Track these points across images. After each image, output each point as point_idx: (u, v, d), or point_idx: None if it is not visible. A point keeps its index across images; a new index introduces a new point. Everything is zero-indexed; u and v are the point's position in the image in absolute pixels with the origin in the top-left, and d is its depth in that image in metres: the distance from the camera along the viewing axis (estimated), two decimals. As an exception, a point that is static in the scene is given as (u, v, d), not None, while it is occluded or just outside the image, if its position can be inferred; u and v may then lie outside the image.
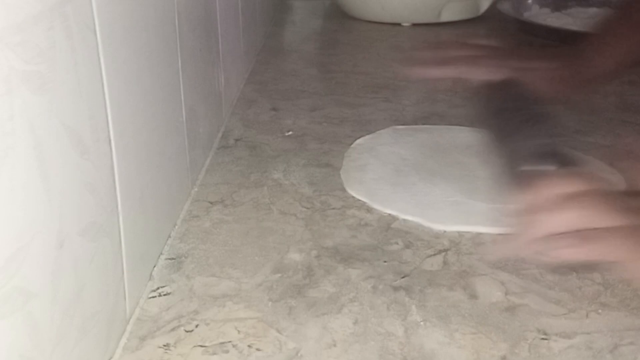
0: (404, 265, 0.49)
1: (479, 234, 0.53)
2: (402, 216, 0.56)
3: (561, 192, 0.40)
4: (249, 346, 0.41)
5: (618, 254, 0.38)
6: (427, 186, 0.61)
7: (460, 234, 0.54)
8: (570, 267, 0.48)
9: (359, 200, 0.59)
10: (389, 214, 0.56)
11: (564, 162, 0.49)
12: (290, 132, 0.74)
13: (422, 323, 0.43)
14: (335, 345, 0.41)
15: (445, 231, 0.54)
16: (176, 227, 0.54)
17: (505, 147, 0.53)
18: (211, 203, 0.58)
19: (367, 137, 0.73)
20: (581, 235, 0.38)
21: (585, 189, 0.40)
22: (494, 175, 0.52)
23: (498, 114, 0.58)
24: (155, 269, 0.49)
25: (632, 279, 0.39)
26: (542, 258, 0.41)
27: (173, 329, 0.42)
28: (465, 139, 0.72)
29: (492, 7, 1.28)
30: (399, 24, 1.28)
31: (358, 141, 0.72)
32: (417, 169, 0.65)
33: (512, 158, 0.51)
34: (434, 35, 1.22)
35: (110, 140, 0.39)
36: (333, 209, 0.57)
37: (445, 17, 1.27)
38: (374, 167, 0.65)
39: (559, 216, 0.39)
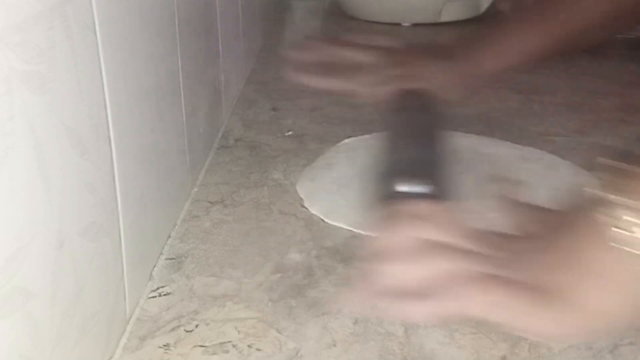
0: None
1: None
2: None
3: (420, 236, 0.36)
4: (249, 346, 0.41)
5: (475, 309, 0.34)
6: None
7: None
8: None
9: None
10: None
11: (439, 187, 0.43)
12: (290, 132, 0.74)
13: (422, 323, 0.43)
14: (335, 345, 0.41)
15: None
16: (176, 227, 0.54)
17: (388, 161, 0.49)
18: (211, 203, 0.58)
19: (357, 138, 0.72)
20: (429, 290, 0.34)
21: (449, 229, 0.36)
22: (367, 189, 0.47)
23: (398, 124, 0.56)
24: (155, 269, 0.49)
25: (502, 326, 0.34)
26: (388, 313, 0.38)
27: (173, 329, 0.42)
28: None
29: (492, 7, 1.28)
30: (399, 24, 1.28)
31: (345, 141, 0.71)
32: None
33: (389, 175, 0.46)
34: (434, 35, 1.22)
35: (110, 140, 0.39)
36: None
37: (445, 17, 1.27)
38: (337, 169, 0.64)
39: (410, 267, 0.35)
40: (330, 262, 0.50)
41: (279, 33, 1.27)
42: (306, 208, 0.57)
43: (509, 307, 0.33)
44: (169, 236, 0.53)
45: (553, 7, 0.61)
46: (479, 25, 1.25)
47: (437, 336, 0.42)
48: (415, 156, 0.48)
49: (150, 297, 0.46)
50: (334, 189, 0.60)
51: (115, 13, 0.40)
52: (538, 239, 0.35)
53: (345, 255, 0.50)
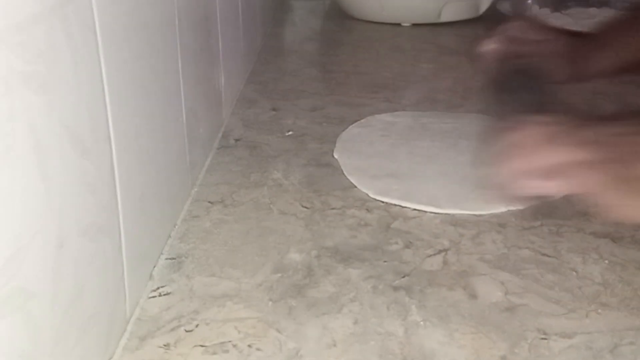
0: (404, 265, 0.49)
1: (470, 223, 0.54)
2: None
3: (537, 133, 0.42)
4: (249, 346, 0.41)
5: (587, 186, 0.40)
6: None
7: (461, 234, 0.54)
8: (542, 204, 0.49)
9: (359, 199, 0.59)
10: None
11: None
12: (290, 132, 0.74)
13: (422, 323, 0.43)
14: (335, 345, 0.41)
15: (444, 231, 0.54)
16: (176, 227, 0.54)
17: (499, 108, 0.55)
18: (211, 203, 0.58)
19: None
20: (552, 170, 0.41)
21: (559, 128, 0.42)
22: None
23: (505, 90, 0.60)
24: (155, 268, 0.49)
25: (602, 209, 0.41)
26: (519, 193, 0.43)
27: (173, 329, 0.42)
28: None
29: (492, 7, 1.28)
30: (399, 24, 1.28)
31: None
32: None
33: (501, 113, 0.53)
34: (434, 36, 1.22)
35: (110, 140, 0.39)
36: (333, 209, 0.57)
37: (445, 17, 1.27)
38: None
39: (534, 154, 0.42)
40: (330, 262, 0.50)
41: (279, 33, 1.27)
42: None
43: (614, 189, 0.39)
44: (169, 236, 0.53)
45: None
46: (481, 25, 1.25)
47: (437, 336, 0.42)
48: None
49: (151, 297, 0.46)
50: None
51: (116, 14, 0.40)
52: (625, 131, 0.41)
53: (345, 255, 0.50)
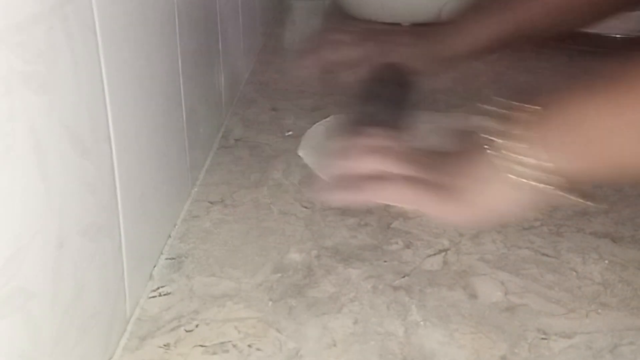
0: (403, 265, 0.49)
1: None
2: None
3: (367, 144, 0.48)
4: (249, 346, 0.41)
5: (398, 198, 0.46)
6: None
7: (461, 233, 0.54)
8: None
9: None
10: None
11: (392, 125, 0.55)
12: (290, 132, 0.74)
13: (422, 323, 0.43)
14: (335, 345, 0.41)
15: (444, 230, 0.54)
16: (176, 227, 0.54)
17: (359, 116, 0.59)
18: (211, 203, 0.58)
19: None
20: (369, 180, 0.45)
21: (388, 144, 0.48)
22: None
23: (370, 95, 0.63)
24: (155, 268, 0.49)
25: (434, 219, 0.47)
26: (333, 199, 0.48)
27: (173, 329, 0.42)
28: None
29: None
30: (398, 24, 1.28)
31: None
32: None
33: (357, 122, 0.57)
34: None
35: (110, 140, 0.39)
36: (333, 208, 0.57)
37: (445, 17, 1.27)
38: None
39: (356, 162, 0.47)
40: (330, 262, 0.50)
41: (279, 33, 1.27)
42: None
43: (419, 198, 0.45)
44: (169, 236, 0.53)
45: None
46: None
47: (437, 336, 0.42)
48: (382, 109, 0.59)
49: (151, 297, 0.46)
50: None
51: (116, 13, 0.40)
52: (448, 158, 0.47)
53: (345, 255, 0.50)
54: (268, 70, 0.99)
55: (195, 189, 0.61)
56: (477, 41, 0.65)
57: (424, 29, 0.71)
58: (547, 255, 0.51)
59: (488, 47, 0.65)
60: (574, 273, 0.49)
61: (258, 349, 0.41)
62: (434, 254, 0.51)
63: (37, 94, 0.29)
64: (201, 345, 0.41)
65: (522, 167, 0.41)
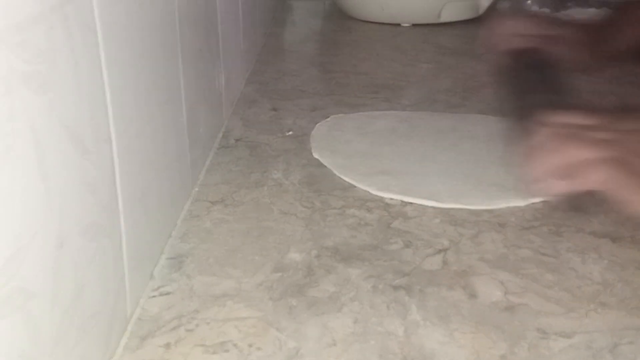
0: (403, 264, 0.49)
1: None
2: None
3: (555, 134, 0.44)
4: (250, 345, 0.41)
5: (604, 182, 0.42)
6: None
7: (460, 233, 0.54)
8: (571, 204, 0.50)
9: (358, 199, 0.59)
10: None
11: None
12: (290, 132, 0.74)
13: (422, 322, 0.43)
14: (335, 345, 0.41)
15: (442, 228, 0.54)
16: (177, 226, 0.55)
17: (516, 105, 0.56)
18: (212, 203, 0.59)
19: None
20: (572, 168, 0.43)
21: (576, 128, 0.44)
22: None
23: (519, 80, 0.61)
24: (155, 268, 0.49)
25: (620, 205, 0.42)
26: (546, 193, 0.46)
27: (174, 329, 0.42)
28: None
29: (492, 7, 1.28)
30: (398, 25, 1.28)
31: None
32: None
33: (520, 112, 0.54)
34: (434, 36, 1.22)
35: (111, 140, 0.39)
36: (333, 208, 0.58)
37: (445, 17, 1.27)
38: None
39: (557, 153, 0.44)
40: (330, 261, 0.50)
41: (279, 33, 1.27)
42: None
43: (628, 185, 0.41)
44: (170, 236, 0.53)
45: None
46: (479, 25, 1.26)
47: (437, 336, 0.42)
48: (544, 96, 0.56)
49: (151, 297, 0.46)
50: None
51: (116, 13, 0.40)
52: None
53: (345, 255, 0.51)
54: (268, 70, 1.00)
55: (196, 189, 0.61)
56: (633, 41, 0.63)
57: (588, 23, 0.69)
58: (546, 255, 0.51)
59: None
60: (574, 273, 0.49)
61: (258, 349, 0.41)
62: (434, 254, 0.51)
63: (37, 94, 0.29)
64: (201, 345, 0.41)
65: None
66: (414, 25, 1.28)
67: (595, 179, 0.42)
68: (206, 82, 0.66)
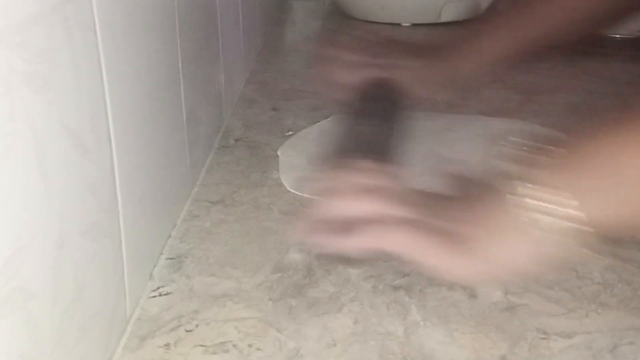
0: (403, 264, 0.49)
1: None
2: None
3: (360, 182, 0.42)
4: (249, 346, 0.41)
5: (401, 244, 0.40)
6: None
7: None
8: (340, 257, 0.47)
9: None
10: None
11: (383, 157, 0.51)
12: (290, 132, 0.74)
13: (422, 323, 0.43)
14: (335, 345, 0.41)
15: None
16: (176, 227, 0.54)
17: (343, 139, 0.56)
18: (211, 203, 0.58)
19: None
20: (366, 223, 0.40)
21: (384, 182, 0.42)
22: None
23: (360, 110, 0.61)
24: (155, 268, 0.49)
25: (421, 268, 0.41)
26: (327, 245, 0.42)
27: (173, 329, 0.42)
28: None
29: (492, 7, 1.28)
30: (398, 24, 1.28)
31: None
32: None
33: (342, 146, 0.54)
34: (434, 36, 1.22)
35: (110, 140, 0.39)
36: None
37: (445, 17, 1.27)
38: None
39: (349, 203, 0.41)
40: (330, 261, 0.50)
41: (279, 33, 1.27)
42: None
43: (423, 247, 0.39)
44: (169, 236, 0.53)
45: (528, 6, 0.63)
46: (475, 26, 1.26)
47: (437, 336, 0.42)
48: (370, 132, 0.55)
49: (151, 297, 0.46)
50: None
51: (116, 13, 0.40)
52: (457, 200, 0.41)
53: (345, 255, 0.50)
54: (268, 70, 1.00)
55: (196, 189, 0.61)
56: (485, 56, 0.63)
57: (435, 44, 0.68)
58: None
59: (497, 61, 0.63)
60: (574, 273, 0.49)
61: (258, 349, 0.41)
62: (434, 254, 0.51)
63: (37, 94, 0.29)
64: (201, 345, 0.41)
65: (547, 217, 0.35)
66: (414, 25, 1.28)
67: (387, 239, 0.40)
68: (206, 82, 0.66)
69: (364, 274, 0.48)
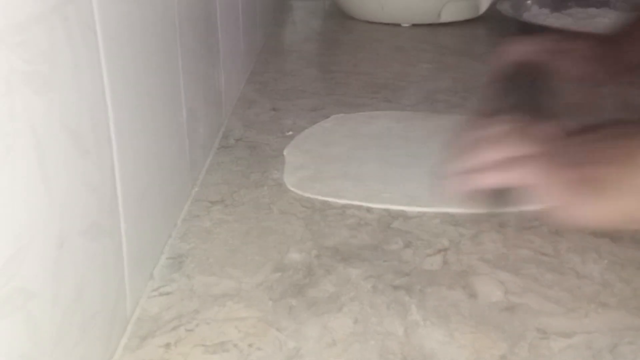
0: (403, 264, 0.49)
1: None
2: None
3: (493, 132, 0.44)
4: (250, 345, 0.41)
5: (535, 178, 0.40)
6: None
7: (460, 233, 0.54)
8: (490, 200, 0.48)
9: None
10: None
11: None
12: (290, 132, 0.74)
13: (422, 323, 0.43)
14: (335, 345, 0.41)
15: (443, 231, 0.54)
16: (177, 226, 0.55)
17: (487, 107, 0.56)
18: (211, 203, 0.59)
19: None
20: (504, 163, 0.42)
21: (521, 126, 0.43)
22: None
23: (507, 91, 0.60)
24: (155, 268, 0.49)
25: (552, 210, 0.41)
26: (470, 188, 0.44)
27: (174, 329, 0.42)
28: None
29: (492, 7, 1.28)
30: (398, 25, 1.28)
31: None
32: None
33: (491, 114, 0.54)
34: (434, 36, 1.22)
35: (111, 140, 0.39)
36: (333, 208, 0.58)
37: (445, 17, 1.27)
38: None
39: (486, 150, 0.43)
40: (330, 261, 0.50)
41: (279, 33, 1.27)
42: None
43: (559, 188, 0.39)
44: (170, 236, 0.53)
45: None
46: (479, 26, 1.26)
47: (437, 336, 0.42)
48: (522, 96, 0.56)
49: (151, 297, 0.46)
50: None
51: (117, 13, 0.40)
52: (593, 138, 0.41)
53: (345, 255, 0.51)
54: (268, 70, 1.00)
55: (196, 189, 0.61)
56: None
57: (603, 36, 0.66)
58: (546, 255, 0.51)
59: None
60: (574, 273, 0.49)
61: (258, 349, 0.41)
62: (434, 254, 0.51)
63: (37, 94, 0.29)
64: (201, 345, 0.41)
65: None
66: (414, 25, 1.28)
67: (529, 175, 0.40)
68: (206, 82, 0.66)
69: (364, 274, 0.48)
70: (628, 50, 0.63)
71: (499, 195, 0.45)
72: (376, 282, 0.47)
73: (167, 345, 0.41)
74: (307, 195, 0.59)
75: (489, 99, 0.58)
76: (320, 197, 0.59)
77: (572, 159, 0.39)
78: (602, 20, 1.18)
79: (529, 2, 1.27)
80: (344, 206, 0.58)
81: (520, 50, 0.63)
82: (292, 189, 0.61)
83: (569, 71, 0.61)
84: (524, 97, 0.58)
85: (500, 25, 1.25)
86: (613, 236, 0.53)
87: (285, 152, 0.68)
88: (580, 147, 0.40)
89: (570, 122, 0.43)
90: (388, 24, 1.28)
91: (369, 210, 0.57)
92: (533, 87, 0.60)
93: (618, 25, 0.67)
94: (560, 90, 0.60)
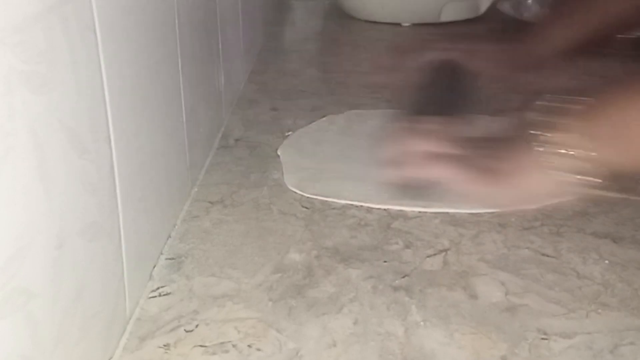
0: (403, 265, 0.49)
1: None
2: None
3: (420, 128, 0.50)
4: (249, 346, 0.41)
5: (453, 173, 0.47)
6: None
7: (461, 234, 0.54)
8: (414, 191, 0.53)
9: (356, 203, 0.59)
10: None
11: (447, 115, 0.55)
12: (290, 132, 0.74)
13: (422, 323, 0.43)
14: (335, 345, 0.41)
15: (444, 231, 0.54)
16: (176, 227, 0.54)
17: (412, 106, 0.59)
18: (211, 203, 0.58)
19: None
20: (420, 157, 0.48)
21: (440, 128, 0.50)
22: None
23: (425, 88, 0.62)
24: (155, 269, 0.49)
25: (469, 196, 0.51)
26: (394, 177, 0.50)
27: (173, 329, 0.42)
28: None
29: (492, 7, 1.28)
30: (399, 24, 1.28)
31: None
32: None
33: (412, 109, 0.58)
34: (434, 36, 1.21)
35: (110, 140, 0.39)
36: (333, 209, 0.57)
37: (445, 17, 1.27)
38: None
39: (414, 144, 0.49)
40: (330, 262, 0.50)
41: (279, 33, 1.27)
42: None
43: (464, 178, 0.47)
44: (169, 236, 0.53)
45: None
46: (479, 26, 1.26)
47: (437, 336, 0.42)
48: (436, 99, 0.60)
49: (150, 297, 0.46)
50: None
51: (116, 13, 0.40)
52: (494, 144, 0.48)
53: (345, 255, 0.50)
54: (268, 70, 0.99)
55: (195, 189, 0.61)
56: (563, 42, 0.64)
57: (508, 32, 0.70)
58: (547, 256, 0.51)
59: (574, 48, 0.65)
60: (574, 273, 0.49)
61: (258, 349, 0.41)
62: (434, 254, 0.51)
63: (36, 94, 0.29)
64: (201, 346, 0.41)
65: (566, 159, 0.42)
66: (414, 25, 1.28)
67: (435, 169, 0.48)
68: (206, 82, 0.66)
69: (364, 274, 0.48)
70: (531, 47, 0.66)
71: (416, 185, 0.51)
72: (376, 283, 0.47)
73: (167, 346, 0.41)
74: (307, 195, 0.59)
75: (414, 97, 0.61)
76: (320, 197, 0.59)
77: (477, 160, 0.47)
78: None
79: (529, 1, 1.27)
80: (344, 206, 0.58)
81: (439, 51, 0.67)
82: (292, 189, 0.61)
83: (478, 68, 0.66)
84: (443, 93, 0.61)
85: (500, 25, 1.25)
86: (614, 236, 0.53)
87: (279, 152, 0.68)
88: (482, 152, 0.48)
89: (473, 129, 0.51)
90: (388, 24, 1.28)
91: (368, 210, 0.57)
92: (452, 82, 0.63)
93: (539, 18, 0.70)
94: (476, 85, 0.65)
